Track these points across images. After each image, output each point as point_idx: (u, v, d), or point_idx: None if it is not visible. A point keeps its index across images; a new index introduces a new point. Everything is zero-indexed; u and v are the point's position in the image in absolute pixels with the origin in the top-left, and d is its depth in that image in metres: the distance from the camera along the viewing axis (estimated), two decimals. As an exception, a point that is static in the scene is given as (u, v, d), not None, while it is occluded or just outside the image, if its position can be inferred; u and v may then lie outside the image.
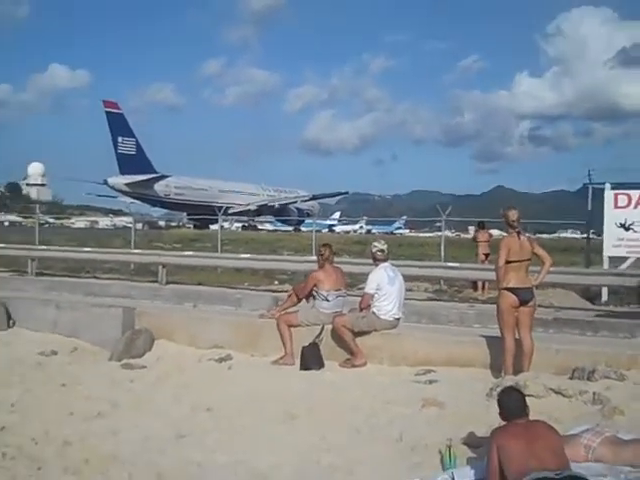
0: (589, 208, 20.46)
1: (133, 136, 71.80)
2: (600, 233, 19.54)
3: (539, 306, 8.73)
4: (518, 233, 8.15)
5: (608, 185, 18.63)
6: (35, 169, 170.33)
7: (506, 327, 8.11)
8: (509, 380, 7.52)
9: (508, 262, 8.00)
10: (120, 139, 70.21)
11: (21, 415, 7.27)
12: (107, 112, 69.93)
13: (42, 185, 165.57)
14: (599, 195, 18.99)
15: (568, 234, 76.68)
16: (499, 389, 6.88)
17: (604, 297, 17.91)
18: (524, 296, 8.04)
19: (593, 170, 20.39)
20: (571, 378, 7.90)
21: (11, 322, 11.60)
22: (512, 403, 5.10)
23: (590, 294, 18.57)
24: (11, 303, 11.81)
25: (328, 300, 9.62)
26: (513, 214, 8.21)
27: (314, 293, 9.74)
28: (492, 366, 8.59)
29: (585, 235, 23.07)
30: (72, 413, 7.31)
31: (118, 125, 70.18)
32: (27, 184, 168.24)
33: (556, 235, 74.38)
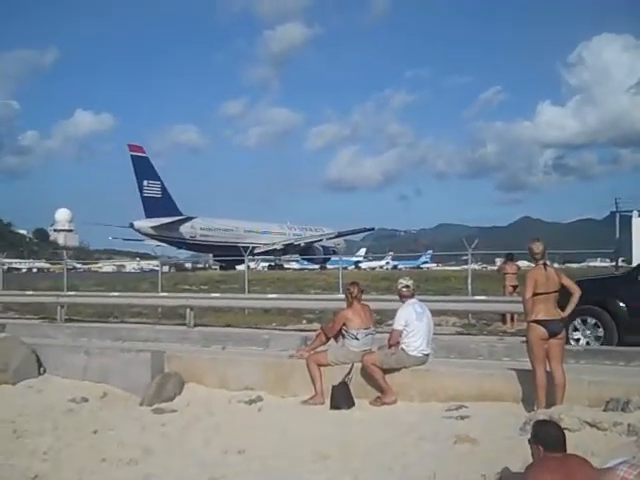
0: (617, 236, 20.36)
1: (158, 179, 72.45)
2: (630, 261, 19.42)
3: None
4: (544, 265, 8.10)
5: (636, 212, 18.60)
6: (62, 215, 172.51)
7: (537, 360, 8.04)
8: (542, 414, 7.43)
9: (535, 294, 7.95)
10: (145, 182, 70.85)
11: (54, 463, 7.29)
12: (132, 156, 70.70)
13: (69, 231, 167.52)
14: (627, 222, 18.95)
15: (597, 263, 76.12)
16: (532, 423, 6.81)
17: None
18: (553, 328, 7.97)
19: (619, 198, 20.34)
20: (605, 410, 7.79)
21: (42, 369, 11.65)
22: (550, 436, 5.00)
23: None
24: (41, 350, 11.88)
25: (358, 339, 9.60)
26: (537, 246, 8.18)
27: (343, 332, 9.73)
28: (524, 400, 8.50)
29: (614, 263, 22.89)
30: (105, 459, 7.32)
31: (143, 168, 70.88)
32: (54, 230, 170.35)
33: (585, 264, 73.85)
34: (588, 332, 13.38)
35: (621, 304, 12.94)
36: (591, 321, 13.33)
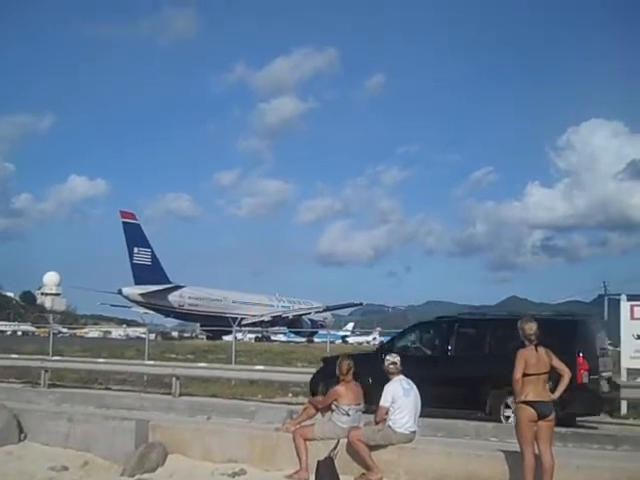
0: (605, 319, 20.39)
1: (149, 246, 72.60)
2: (617, 344, 19.40)
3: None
4: (535, 346, 8.10)
5: (624, 296, 18.62)
6: (50, 278, 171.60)
7: (525, 442, 7.96)
8: (529, 497, 7.35)
9: (525, 375, 7.93)
10: (136, 249, 70.98)
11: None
12: (124, 222, 71.00)
13: (57, 294, 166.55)
14: (615, 306, 18.96)
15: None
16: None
17: (623, 410, 17.64)
18: (543, 410, 7.92)
19: (608, 282, 20.44)
20: (593, 495, 7.73)
21: (22, 435, 11.46)
22: None
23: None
24: (23, 415, 11.71)
25: (349, 415, 9.53)
26: (530, 327, 8.18)
27: (333, 407, 9.66)
28: (511, 482, 8.41)
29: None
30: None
31: (134, 235, 71.09)
32: (42, 293, 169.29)
33: (572, 346, 73.64)
34: None
35: (367, 377, 13.40)
36: None
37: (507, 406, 13.27)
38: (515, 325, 15.31)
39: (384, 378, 14.28)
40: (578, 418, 14.22)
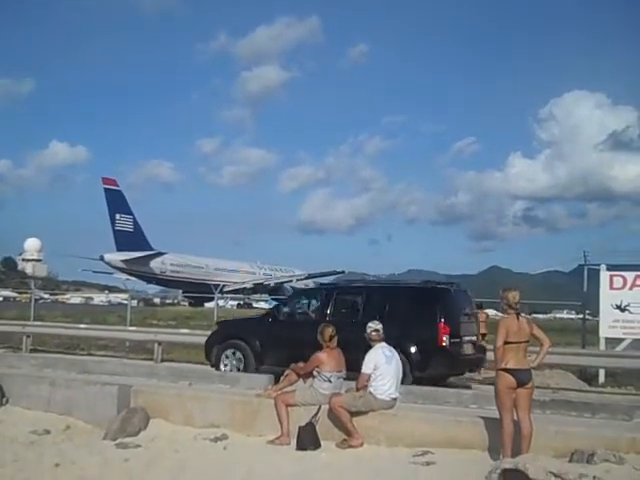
0: (585, 289, 20.53)
1: (131, 213, 72.28)
2: (596, 314, 19.58)
3: (536, 387, 8.68)
4: (517, 314, 8.16)
5: (604, 266, 18.76)
6: (32, 244, 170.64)
7: (504, 409, 8.06)
8: (508, 463, 7.45)
9: (506, 343, 7.99)
10: (118, 216, 70.65)
11: (13, 495, 7.17)
12: (106, 189, 70.55)
13: (38, 260, 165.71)
14: (594, 276, 19.10)
15: (564, 314, 76.66)
16: (498, 472, 6.82)
17: (601, 379, 17.86)
18: (522, 377, 8.01)
19: (588, 251, 20.54)
20: (570, 461, 7.83)
21: (4, 399, 11.45)
22: None
23: (587, 375, 18.51)
24: (5, 380, 11.68)
25: (330, 381, 9.59)
26: (514, 296, 8.22)
27: (315, 373, 9.72)
28: (490, 448, 8.51)
29: (581, 316, 23.08)
30: (65, 493, 7.21)
31: (116, 202, 70.69)
32: (23, 259, 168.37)
33: (551, 315, 74.33)
34: (234, 361, 16.28)
35: (256, 340, 16.13)
36: (236, 352, 16.31)
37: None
38: (389, 293, 16.65)
39: (274, 342, 16.04)
40: (558, 387, 14.48)
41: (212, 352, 16.87)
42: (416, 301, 15.37)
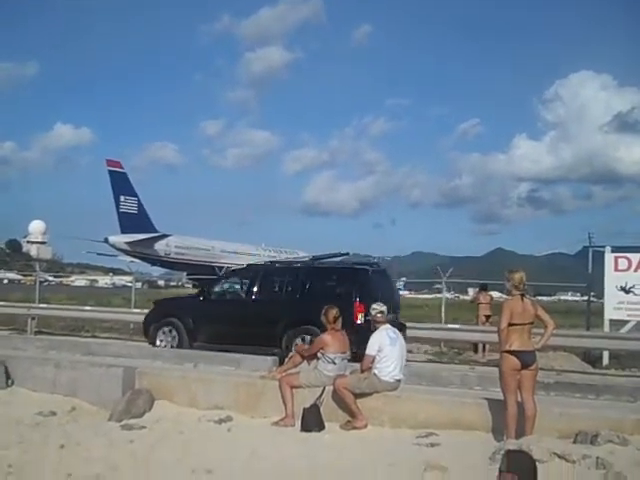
0: (589, 271, 20.49)
1: (135, 195, 71.97)
2: (600, 296, 19.56)
3: (540, 369, 8.68)
4: (522, 296, 8.15)
5: (609, 248, 18.71)
6: (36, 227, 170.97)
7: (508, 390, 8.07)
8: (511, 444, 7.46)
9: (511, 325, 7.99)
10: (122, 198, 70.33)
11: (18, 477, 7.17)
12: (110, 171, 70.17)
13: (42, 243, 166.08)
14: (599, 258, 19.06)
15: (568, 296, 76.59)
16: (502, 453, 6.82)
17: (605, 360, 17.87)
18: (526, 359, 8.01)
19: (593, 233, 20.48)
20: (574, 442, 7.85)
21: (10, 381, 11.51)
22: (525, 467, 4.96)
23: (591, 357, 18.52)
24: (10, 362, 11.73)
25: (335, 363, 9.61)
26: (521, 277, 8.22)
27: (319, 355, 9.74)
28: (494, 429, 8.53)
29: (585, 298, 23.07)
30: (70, 475, 7.22)
31: (120, 184, 70.37)
32: (28, 241, 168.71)
33: (556, 297, 74.29)
34: (169, 339, 17.08)
35: (189, 318, 16.96)
36: (172, 330, 17.11)
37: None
38: (312, 273, 17.43)
39: (205, 320, 16.80)
40: (562, 369, 14.48)
41: (149, 330, 17.78)
42: (335, 281, 16.75)
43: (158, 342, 17.06)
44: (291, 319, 15.62)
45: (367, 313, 14.02)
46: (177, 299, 22.49)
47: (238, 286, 18.19)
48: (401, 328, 15.60)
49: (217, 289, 18.28)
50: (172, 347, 16.50)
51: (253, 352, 13.58)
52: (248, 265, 20.62)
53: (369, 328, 14.72)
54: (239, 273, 20.69)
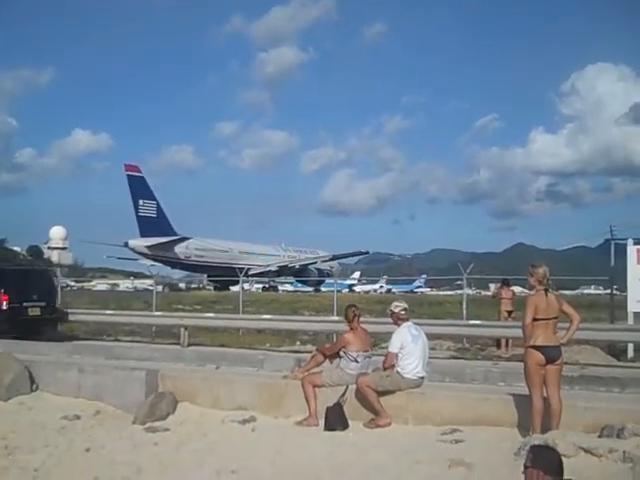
0: (612, 264, 20.34)
1: (154, 199, 72.34)
2: (624, 289, 19.38)
3: (564, 363, 8.62)
4: (546, 290, 8.08)
5: (631, 240, 18.55)
6: (57, 232, 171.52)
7: (533, 385, 8.01)
8: (537, 439, 7.40)
9: (535, 320, 7.93)
10: (141, 202, 70.73)
11: (45, 480, 7.23)
12: (128, 175, 70.58)
13: (63, 248, 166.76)
14: (621, 251, 18.90)
15: (591, 290, 76.09)
16: (527, 448, 6.77)
17: (630, 353, 17.72)
18: (551, 354, 7.95)
19: (615, 226, 20.32)
20: (600, 436, 7.77)
21: (34, 386, 11.58)
22: (553, 462, 4.88)
23: (615, 350, 18.38)
24: (34, 367, 11.82)
25: (357, 361, 9.57)
26: (544, 272, 8.15)
27: (342, 354, 9.70)
28: (519, 425, 8.46)
29: (609, 291, 22.89)
30: (96, 478, 7.26)
31: (139, 188, 70.75)
32: (49, 247, 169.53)
33: (579, 291, 73.82)
34: None
35: None
36: None
37: None
38: (23, 276, 22.57)
39: None
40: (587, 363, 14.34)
41: None
42: None
43: None
44: None
45: (11, 301, 20.80)
46: None
47: None
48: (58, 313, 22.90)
49: None
50: None
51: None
52: None
53: (16, 312, 20.77)
54: None
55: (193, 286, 73.75)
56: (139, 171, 72.68)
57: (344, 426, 9.16)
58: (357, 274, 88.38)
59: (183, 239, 72.29)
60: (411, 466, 7.38)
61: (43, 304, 21.77)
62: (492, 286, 36.78)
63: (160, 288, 41.62)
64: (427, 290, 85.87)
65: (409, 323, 9.64)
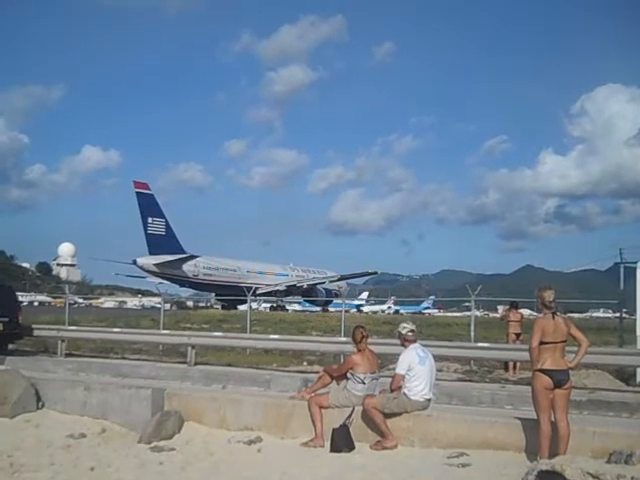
0: (621, 287, 20.26)
1: (163, 217, 72.42)
2: (633, 312, 19.29)
3: (573, 387, 8.57)
4: (553, 314, 8.05)
5: (640, 264, 18.47)
6: (65, 249, 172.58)
7: (541, 410, 7.96)
8: (544, 464, 7.34)
9: (542, 343, 7.89)
10: (150, 219, 70.81)
11: (50, 498, 7.21)
12: (137, 192, 70.71)
13: (72, 265, 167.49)
14: (631, 274, 18.82)
15: (600, 313, 75.80)
16: (535, 473, 6.72)
17: (639, 378, 17.60)
18: (559, 378, 7.90)
19: (624, 249, 20.27)
20: (608, 462, 7.70)
21: (40, 404, 11.57)
22: None
23: (624, 375, 18.26)
24: (40, 384, 11.81)
25: (364, 383, 9.54)
26: (550, 294, 8.12)
27: (349, 375, 9.67)
28: (526, 449, 8.41)
29: (617, 314, 22.80)
30: (101, 496, 7.24)
31: (148, 205, 70.84)
32: (57, 264, 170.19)
33: (587, 314, 73.57)
34: None
35: None
36: None
37: None
38: None
39: None
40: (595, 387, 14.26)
41: None
42: None
43: None
44: None
45: None
46: None
47: None
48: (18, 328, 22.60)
49: None
50: None
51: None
52: None
53: None
54: None
55: (201, 305, 73.68)
56: (148, 188, 72.81)
57: (350, 448, 9.13)
58: (365, 294, 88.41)
59: (191, 257, 72.28)
60: (417, 489, 7.33)
61: (6, 319, 21.91)
62: (500, 308, 36.69)
63: (168, 306, 41.71)
64: (435, 311, 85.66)
65: (416, 345, 9.61)
